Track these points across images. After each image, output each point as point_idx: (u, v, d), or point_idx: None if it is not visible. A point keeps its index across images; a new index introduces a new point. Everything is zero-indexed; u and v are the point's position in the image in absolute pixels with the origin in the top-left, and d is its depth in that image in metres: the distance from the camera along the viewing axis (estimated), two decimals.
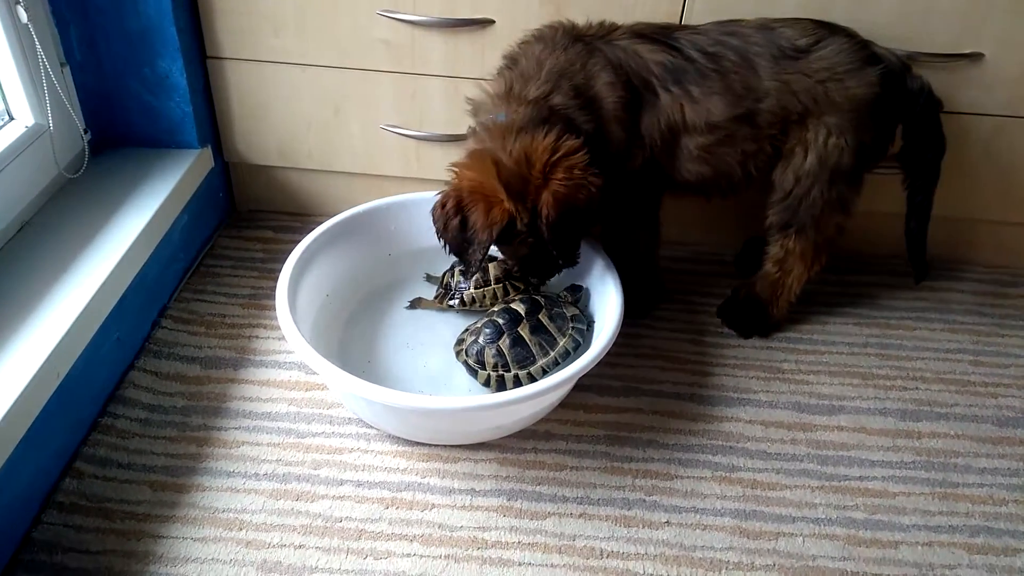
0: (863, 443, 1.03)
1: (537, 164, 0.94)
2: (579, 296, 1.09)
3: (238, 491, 0.93)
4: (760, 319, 1.18)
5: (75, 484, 0.92)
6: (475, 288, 1.10)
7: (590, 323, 1.06)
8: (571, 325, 1.03)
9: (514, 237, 0.98)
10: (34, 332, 0.88)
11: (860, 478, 0.99)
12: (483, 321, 1.04)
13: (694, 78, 1.00)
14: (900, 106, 1.04)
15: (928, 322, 1.23)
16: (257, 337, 1.14)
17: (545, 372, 1.00)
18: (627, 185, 1.06)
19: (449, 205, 0.98)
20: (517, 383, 0.99)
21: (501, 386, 1.00)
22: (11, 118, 1.03)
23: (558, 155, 0.94)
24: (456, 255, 1.02)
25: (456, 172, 0.98)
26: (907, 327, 1.22)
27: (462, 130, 1.22)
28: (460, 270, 1.12)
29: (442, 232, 1.00)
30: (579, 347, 1.02)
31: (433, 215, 1.01)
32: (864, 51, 1.01)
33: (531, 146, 0.94)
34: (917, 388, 1.12)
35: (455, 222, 0.98)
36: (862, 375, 1.13)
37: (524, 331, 1.01)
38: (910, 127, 1.07)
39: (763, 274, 1.15)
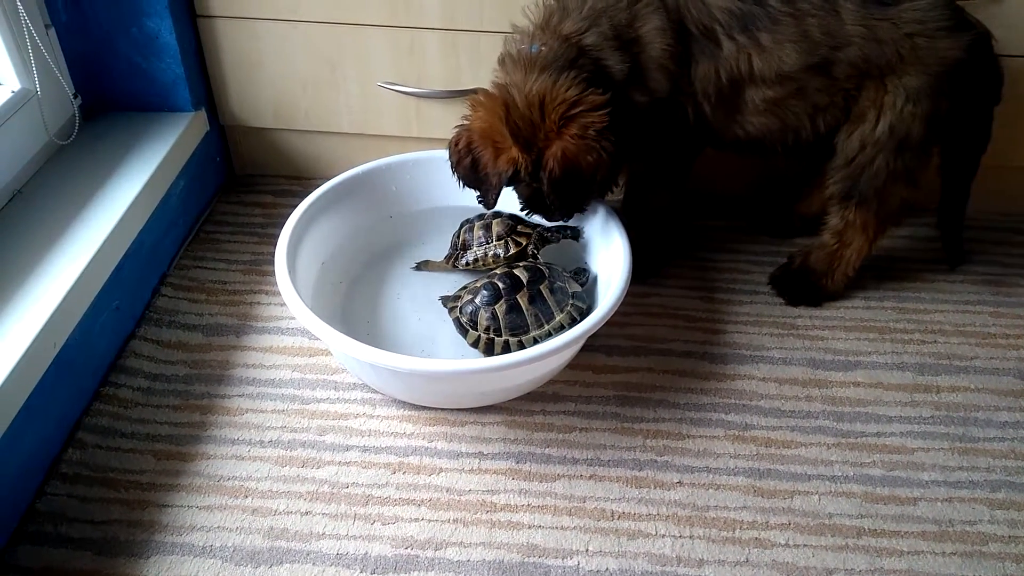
0: (880, 399, 1.01)
1: (552, 114, 0.90)
2: (584, 279, 1.06)
3: (243, 459, 0.91)
4: (813, 290, 1.13)
5: (78, 454, 0.91)
6: (478, 247, 1.07)
7: (589, 307, 1.03)
8: (571, 302, 1.00)
9: (520, 181, 0.96)
10: (29, 302, 0.86)
11: (877, 434, 0.96)
12: (483, 282, 1.01)
13: (765, 24, 0.92)
14: (981, 81, 0.98)
15: (947, 274, 1.19)
16: (259, 303, 1.12)
17: (536, 343, 0.97)
18: (661, 139, 1.01)
19: (461, 144, 0.96)
20: (506, 349, 0.96)
21: (490, 349, 0.97)
22: None
23: (577, 110, 0.90)
24: (470, 188, 1.01)
25: (471, 108, 0.95)
26: (925, 279, 1.18)
27: (462, 85, 1.19)
28: (465, 229, 1.09)
29: (455, 168, 0.99)
30: (575, 323, 0.99)
31: (448, 150, 1.00)
32: (957, 13, 0.94)
33: (551, 92, 0.90)
34: (936, 341, 1.09)
35: (467, 161, 0.97)
36: (879, 329, 1.10)
37: (523, 299, 0.98)
38: (968, 108, 1.00)
39: (820, 244, 1.10)
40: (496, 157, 0.93)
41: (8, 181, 0.99)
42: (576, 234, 1.09)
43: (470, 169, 0.97)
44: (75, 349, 0.92)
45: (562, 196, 0.95)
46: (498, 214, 1.07)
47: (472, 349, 0.99)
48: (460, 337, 1.01)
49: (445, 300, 1.04)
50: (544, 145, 0.91)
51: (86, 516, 0.85)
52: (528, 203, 1.03)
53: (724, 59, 0.95)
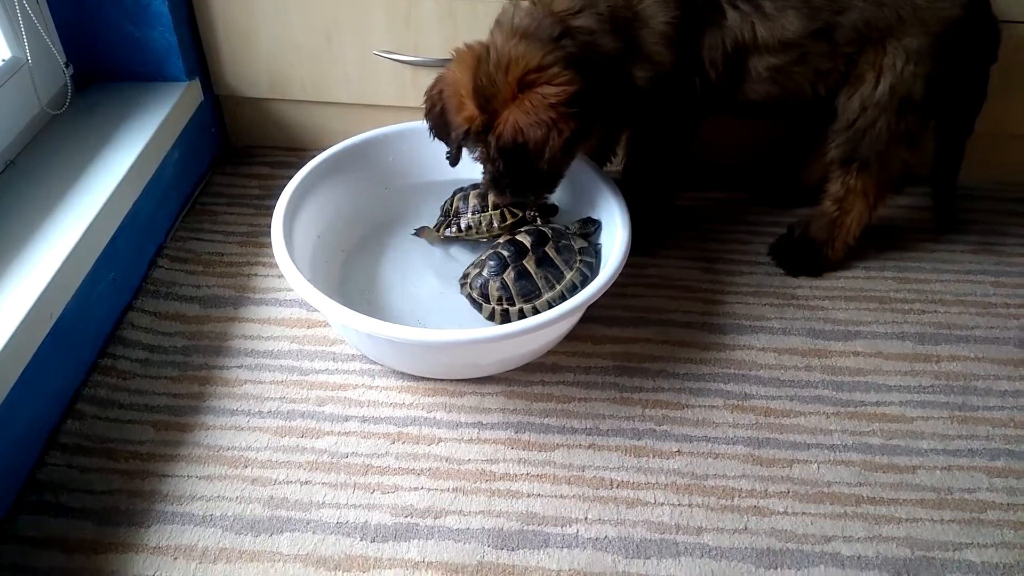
0: (880, 368, 1.01)
1: (512, 74, 0.87)
2: (591, 230, 1.05)
3: (242, 429, 0.91)
4: (813, 259, 1.12)
5: (77, 425, 0.90)
6: (472, 214, 1.06)
7: (598, 253, 1.03)
8: (579, 258, 1.00)
9: (474, 142, 0.94)
10: (24, 272, 0.86)
11: (876, 403, 0.96)
12: (488, 254, 1.01)
13: None
14: (980, 39, 0.97)
15: (948, 243, 1.19)
16: (256, 275, 1.11)
17: (551, 306, 0.96)
18: (664, 111, 1.00)
19: (434, 92, 0.96)
20: (522, 317, 0.96)
21: (505, 320, 0.97)
22: None
23: (537, 76, 0.87)
24: (439, 139, 1.00)
25: (452, 58, 0.94)
26: (926, 249, 1.18)
27: None
28: (459, 197, 1.08)
29: (426, 115, 0.98)
30: (587, 281, 0.99)
31: (424, 96, 0.98)
32: None
33: (520, 56, 0.87)
34: (936, 311, 1.08)
35: (436, 110, 0.96)
36: (879, 299, 1.10)
37: (530, 264, 0.98)
38: (966, 68, 0.99)
39: (820, 212, 1.09)
40: (458, 111, 0.92)
41: (1, 151, 0.98)
42: (551, 211, 1.08)
43: (439, 118, 0.96)
44: (72, 320, 0.91)
45: (508, 166, 0.92)
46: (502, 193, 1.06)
47: (482, 320, 0.99)
48: (457, 308, 1.01)
49: (460, 280, 1.04)
50: (499, 108, 0.89)
51: (86, 486, 0.85)
52: (488, 176, 0.99)
53: (729, 28, 0.93)
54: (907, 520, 0.85)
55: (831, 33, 0.93)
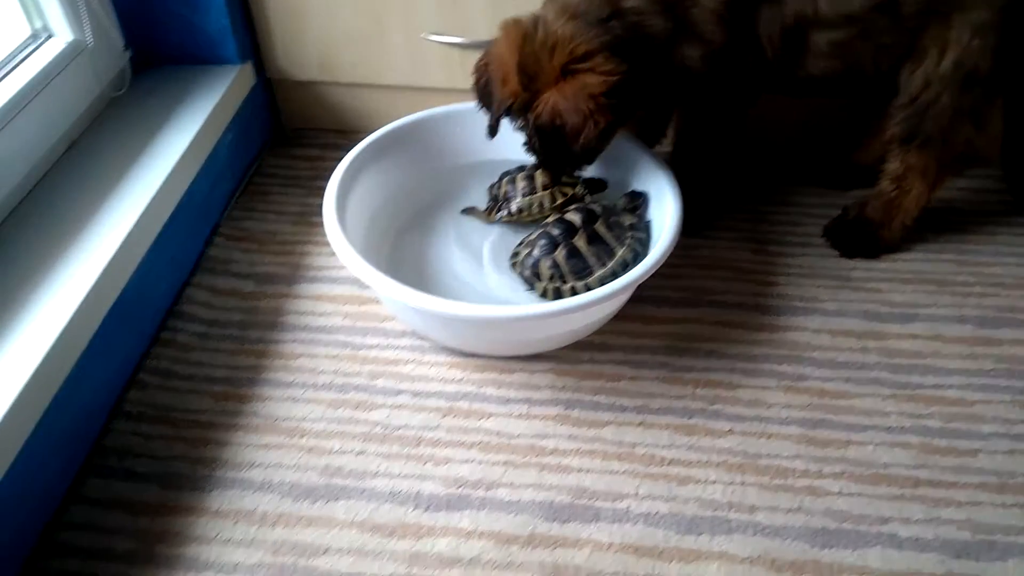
0: (939, 351, 0.98)
1: (557, 58, 0.89)
2: (638, 203, 1.05)
3: (298, 400, 0.93)
4: (869, 241, 1.10)
5: (140, 394, 0.93)
6: (522, 197, 1.06)
7: (648, 228, 1.02)
8: (629, 234, 0.99)
9: (515, 116, 0.96)
10: (89, 248, 0.88)
11: (935, 386, 0.94)
12: (538, 232, 1.01)
13: None
14: None
15: (1010, 226, 1.15)
16: (309, 254, 1.13)
17: (603, 282, 0.96)
18: (716, 90, 0.98)
19: (481, 63, 0.98)
20: (574, 295, 0.96)
21: (558, 297, 0.97)
22: (50, 35, 1.01)
23: (581, 66, 0.88)
24: (484, 109, 1.01)
25: (500, 31, 0.95)
26: (986, 232, 1.15)
27: None
28: (507, 181, 1.09)
29: (474, 86, 1.00)
30: (638, 257, 0.99)
31: (473, 67, 1.00)
32: None
33: (567, 39, 0.88)
34: (998, 295, 1.05)
35: (482, 81, 0.98)
36: (938, 282, 1.07)
37: (580, 242, 0.98)
38: None
39: (877, 192, 1.07)
40: (503, 86, 0.94)
41: (65, 131, 1.01)
42: (600, 188, 1.09)
43: (484, 90, 0.98)
44: (134, 294, 0.94)
45: (543, 145, 0.95)
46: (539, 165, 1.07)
47: (531, 297, 0.99)
48: (506, 285, 1.02)
49: (511, 259, 1.05)
50: (541, 89, 0.91)
51: (150, 452, 0.88)
52: (527, 143, 1.02)
53: (788, 2, 0.91)
54: (967, 503, 0.83)
55: (896, 6, 0.91)
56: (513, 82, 0.92)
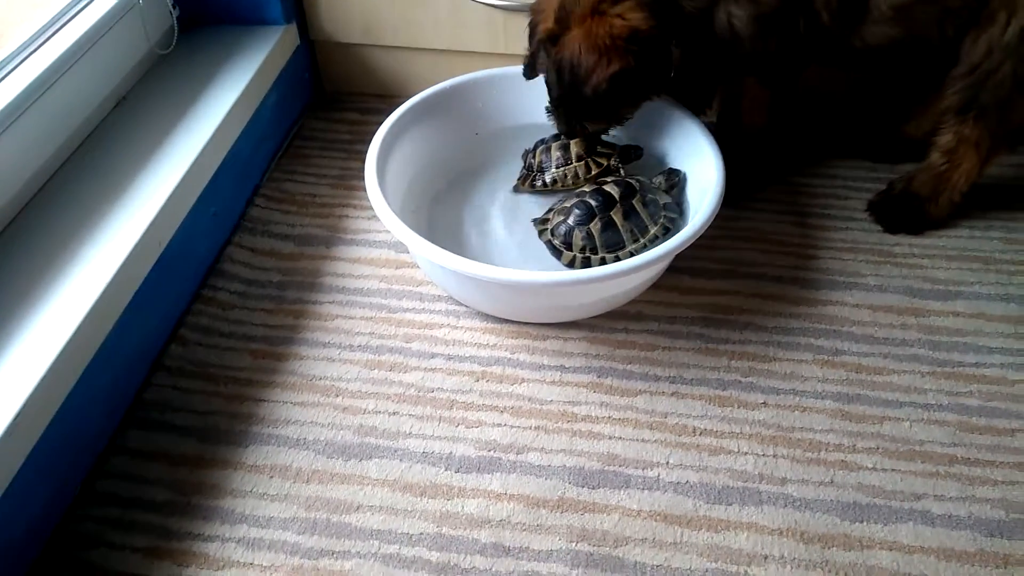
0: (981, 329, 0.96)
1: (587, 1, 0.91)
2: (675, 181, 1.04)
3: (334, 360, 0.95)
4: (915, 216, 1.07)
5: (180, 350, 0.95)
6: (556, 168, 1.06)
7: (682, 213, 1.01)
8: (663, 213, 0.99)
9: (544, 55, 0.98)
10: (136, 203, 0.90)
11: (976, 364, 0.93)
12: (573, 201, 1.00)
13: None
14: None
15: None
16: (348, 216, 1.14)
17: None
18: (764, 57, 0.96)
19: (534, 6, 0.99)
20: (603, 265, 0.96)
21: (586, 268, 0.97)
22: None
23: (612, 9, 0.90)
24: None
25: None
26: None
27: None
28: (541, 150, 1.08)
29: (528, 25, 1.02)
30: (669, 234, 0.98)
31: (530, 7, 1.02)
32: None
33: None
34: None
35: (532, 21, 1.00)
36: (983, 259, 1.05)
37: (616, 215, 0.97)
38: None
39: (927, 165, 1.04)
40: (543, 23, 0.96)
41: (115, 87, 1.03)
42: (635, 155, 1.08)
43: (532, 29, 1.00)
44: (177, 251, 0.96)
45: (559, 82, 0.95)
46: (571, 135, 1.06)
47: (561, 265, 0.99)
48: (543, 251, 1.01)
49: (535, 222, 1.04)
50: (571, 26, 0.92)
51: (189, 406, 0.90)
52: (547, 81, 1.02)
53: None
54: (1003, 482, 0.82)
55: None
56: (550, 19, 0.94)
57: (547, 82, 1.00)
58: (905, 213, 1.08)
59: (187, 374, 0.93)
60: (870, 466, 0.84)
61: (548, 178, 1.07)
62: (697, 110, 1.07)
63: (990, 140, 0.98)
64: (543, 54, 0.98)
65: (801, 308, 1.00)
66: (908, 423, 0.87)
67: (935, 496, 0.81)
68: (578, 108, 0.99)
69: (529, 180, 1.09)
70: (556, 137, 1.08)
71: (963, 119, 0.97)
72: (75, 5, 1.00)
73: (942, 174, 1.03)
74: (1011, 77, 0.91)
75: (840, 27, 0.93)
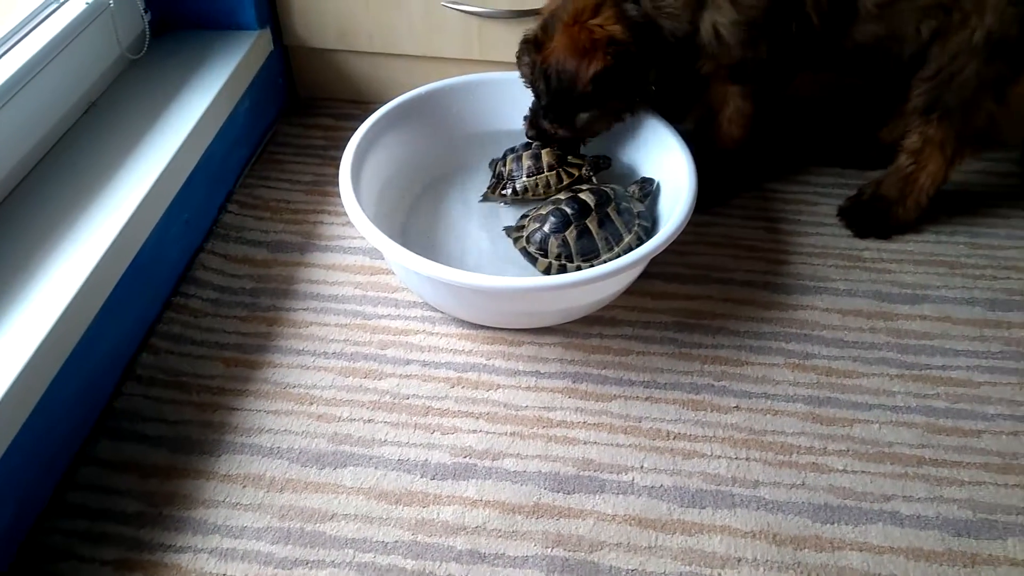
0: (947, 332, 0.98)
1: (574, 8, 0.94)
2: (649, 190, 1.05)
3: (308, 368, 0.94)
4: (883, 220, 1.09)
5: (152, 359, 0.94)
6: (527, 177, 1.06)
7: (655, 221, 1.02)
8: (638, 222, 0.99)
9: (529, 67, 1.01)
10: (106, 208, 0.89)
11: (943, 367, 0.95)
12: (549, 208, 1.01)
13: None
14: None
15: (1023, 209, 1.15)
16: (322, 223, 1.13)
17: None
18: (752, 64, 0.98)
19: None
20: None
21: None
22: None
23: (589, 19, 0.93)
24: None
25: None
26: (1000, 215, 1.14)
27: (527, 5, 1.16)
28: (512, 158, 1.08)
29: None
30: (642, 243, 0.98)
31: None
32: None
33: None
34: (1009, 278, 1.05)
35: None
36: (949, 264, 1.07)
37: (592, 223, 0.98)
38: None
39: (894, 168, 1.06)
40: (533, 30, 1.00)
41: (84, 91, 1.01)
42: (604, 164, 1.09)
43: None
44: (148, 258, 0.95)
45: (547, 87, 0.98)
46: (544, 144, 1.07)
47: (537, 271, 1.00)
48: (518, 258, 1.02)
49: (509, 230, 1.04)
50: (554, 34, 0.96)
51: (160, 416, 0.89)
52: (532, 105, 1.05)
53: None
54: (970, 483, 0.83)
55: None
56: (537, 27, 0.98)
57: (534, 90, 1.01)
58: (874, 217, 1.10)
59: (158, 383, 0.92)
60: (840, 468, 0.85)
61: (519, 186, 1.07)
62: (674, 119, 1.08)
63: (955, 141, 1.00)
64: (527, 57, 1.00)
65: (772, 312, 1.01)
66: (877, 425, 0.89)
67: (904, 497, 0.82)
68: (564, 114, 1.01)
69: (499, 189, 1.09)
70: (527, 146, 1.08)
71: (928, 120, 0.99)
72: (45, 9, 0.98)
73: (909, 176, 1.05)
74: (975, 78, 0.94)
75: (830, 28, 0.95)
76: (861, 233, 1.10)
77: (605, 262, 0.96)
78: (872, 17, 0.93)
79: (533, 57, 0.99)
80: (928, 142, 1.01)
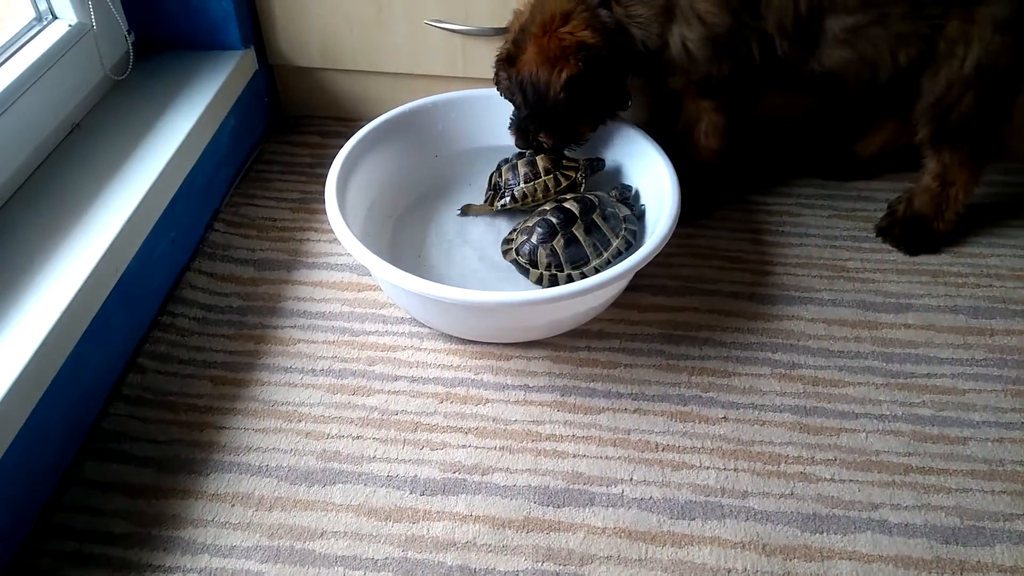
0: (931, 341, 0.99)
1: (543, 19, 0.96)
2: (627, 196, 1.06)
3: (296, 386, 0.94)
4: (926, 236, 1.09)
5: (139, 379, 0.94)
6: (525, 183, 1.07)
7: (641, 215, 1.03)
8: (624, 226, 1.01)
9: (503, 77, 1.03)
10: (92, 229, 0.89)
11: (928, 375, 0.95)
12: (535, 220, 1.02)
13: None
14: None
15: (1007, 217, 1.16)
16: (308, 240, 1.14)
17: (598, 272, 0.97)
18: (717, 79, 0.99)
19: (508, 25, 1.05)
20: (569, 282, 0.97)
21: (554, 285, 0.98)
22: (54, 17, 1.02)
23: (559, 27, 0.94)
24: None
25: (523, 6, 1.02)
26: (981, 223, 1.15)
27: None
28: (506, 168, 1.09)
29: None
30: (631, 247, 1.00)
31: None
32: None
33: (557, 8, 0.95)
34: (991, 285, 1.06)
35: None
36: (932, 272, 1.08)
37: (579, 231, 0.98)
38: None
39: (923, 188, 1.07)
40: (503, 45, 1.02)
41: (68, 113, 1.01)
42: (598, 166, 1.11)
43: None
44: (134, 278, 0.94)
45: (523, 98, 0.99)
46: (536, 152, 1.08)
47: (529, 284, 1.01)
48: (504, 272, 1.02)
49: (501, 244, 1.05)
50: (526, 46, 0.98)
51: (148, 435, 0.88)
52: (513, 116, 1.06)
53: None
54: (957, 490, 0.84)
55: None
56: (509, 41, 1.01)
57: (514, 103, 1.03)
58: (918, 235, 1.10)
59: (146, 403, 0.92)
60: (828, 477, 0.85)
61: (518, 193, 1.07)
62: (657, 132, 1.09)
63: (973, 160, 1.01)
64: (503, 73, 1.01)
65: (758, 323, 1.02)
66: (864, 434, 0.89)
67: (891, 505, 0.83)
68: (546, 122, 1.02)
69: (496, 199, 1.10)
70: (520, 155, 1.09)
71: (938, 149, 1.01)
72: (28, 31, 0.99)
73: (939, 194, 1.06)
74: (973, 107, 0.95)
75: (798, 51, 0.95)
76: (913, 251, 1.10)
77: (596, 268, 0.97)
78: (839, 42, 0.94)
79: (508, 72, 1.00)
80: (948, 166, 1.02)
